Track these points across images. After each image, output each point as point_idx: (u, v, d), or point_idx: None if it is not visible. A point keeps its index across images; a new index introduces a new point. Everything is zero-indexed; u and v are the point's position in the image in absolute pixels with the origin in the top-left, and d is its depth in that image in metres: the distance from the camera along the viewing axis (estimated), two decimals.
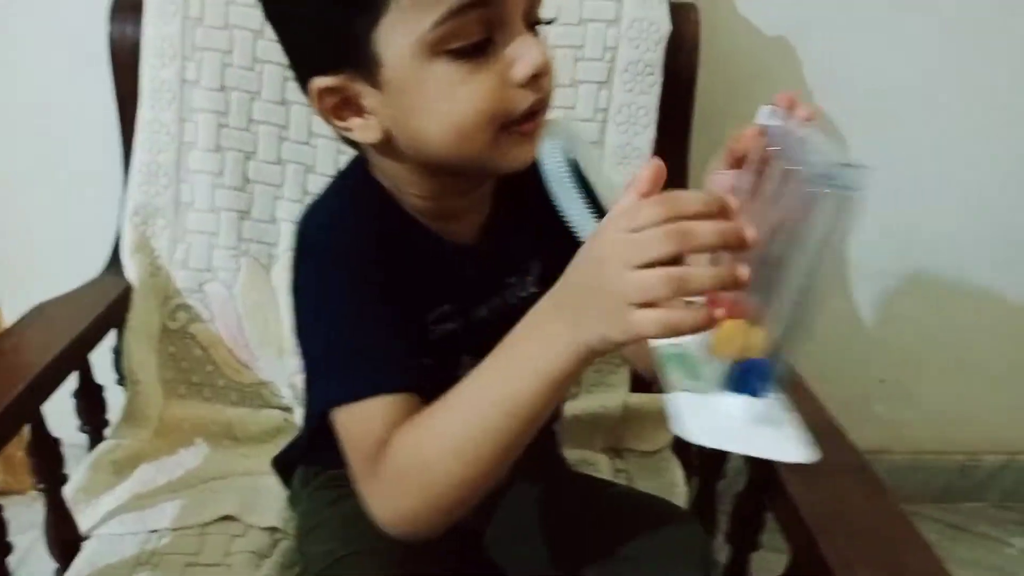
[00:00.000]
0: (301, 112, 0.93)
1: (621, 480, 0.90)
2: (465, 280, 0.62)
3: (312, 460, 0.74)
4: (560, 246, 0.56)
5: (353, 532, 0.63)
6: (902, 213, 1.24)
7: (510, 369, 0.47)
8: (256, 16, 0.90)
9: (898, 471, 1.44)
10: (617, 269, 0.41)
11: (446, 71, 0.50)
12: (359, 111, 0.54)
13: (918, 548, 0.53)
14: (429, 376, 0.55)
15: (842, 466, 0.60)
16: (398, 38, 0.50)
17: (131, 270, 0.91)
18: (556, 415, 0.79)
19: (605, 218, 0.44)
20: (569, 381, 0.46)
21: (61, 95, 1.09)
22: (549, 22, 0.55)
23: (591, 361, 0.45)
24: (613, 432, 0.97)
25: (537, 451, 0.72)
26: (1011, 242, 1.28)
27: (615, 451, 0.96)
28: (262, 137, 0.92)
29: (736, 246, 0.41)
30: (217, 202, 0.92)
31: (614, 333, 0.42)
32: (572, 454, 0.89)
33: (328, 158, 0.94)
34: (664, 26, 0.92)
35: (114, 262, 0.94)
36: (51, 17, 1.06)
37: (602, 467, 0.91)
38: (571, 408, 0.95)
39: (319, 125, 0.94)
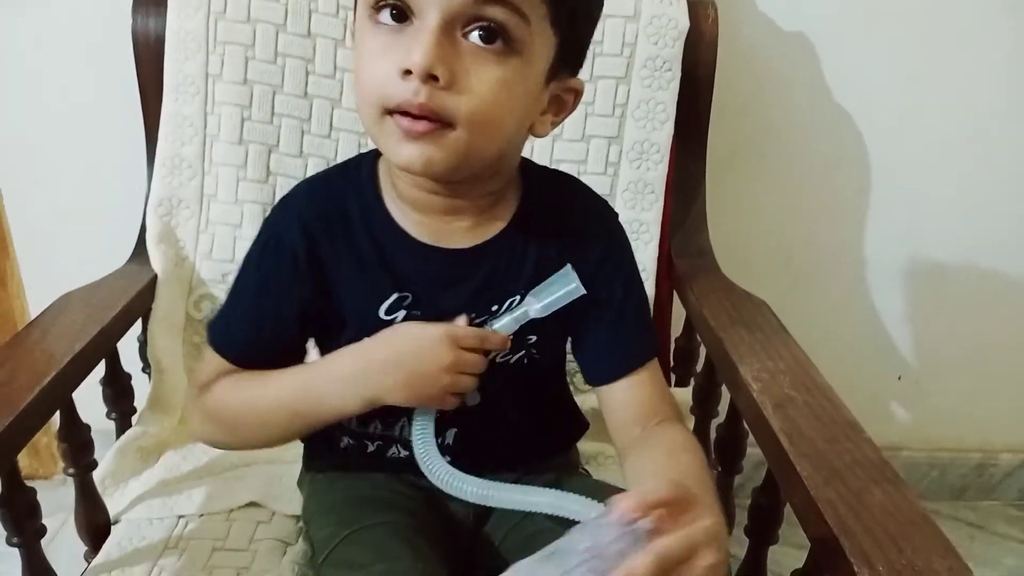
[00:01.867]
0: (323, 105, 0.94)
1: None
2: (429, 276, 0.63)
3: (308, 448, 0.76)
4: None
5: (353, 513, 0.66)
6: (917, 210, 1.25)
7: (313, 392, 0.61)
8: (278, 10, 0.91)
9: (915, 468, 1.44)
10: (440, 370, 0.58)
11: (372, 38, 0.54)
12: None
13: (937, 543, 0.53)
14: None
15: (860, 461, 0.60)
16: None
17: (156, 260, 0.93)
18: (581, 425, 0.80)
19: (433, 327, 0.59)
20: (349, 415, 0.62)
21: (85, 87, 1.11)
22: (507, 45, 0.53)
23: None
24: None
25: (545, 448, 0.74)
26: None
27: None
28: (284, 130, 0.94)
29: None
30: (240, 194, 0.94)
31: (423, 402, 0.59)
32: (590, 447, 0.90)
33: (349, 151, 0.95)
34: (682, 22, 0.93)
35: (139, 252, 0.95)
36: (75, 11, 1.08)
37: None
38: (590, 402, 0.96)
39: (340, 119, 0.95)
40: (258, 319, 0.64)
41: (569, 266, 0.60)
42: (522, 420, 0.71)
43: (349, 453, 0.70)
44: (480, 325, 0.62)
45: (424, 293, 0.63)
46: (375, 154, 0.65)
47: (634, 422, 0.65)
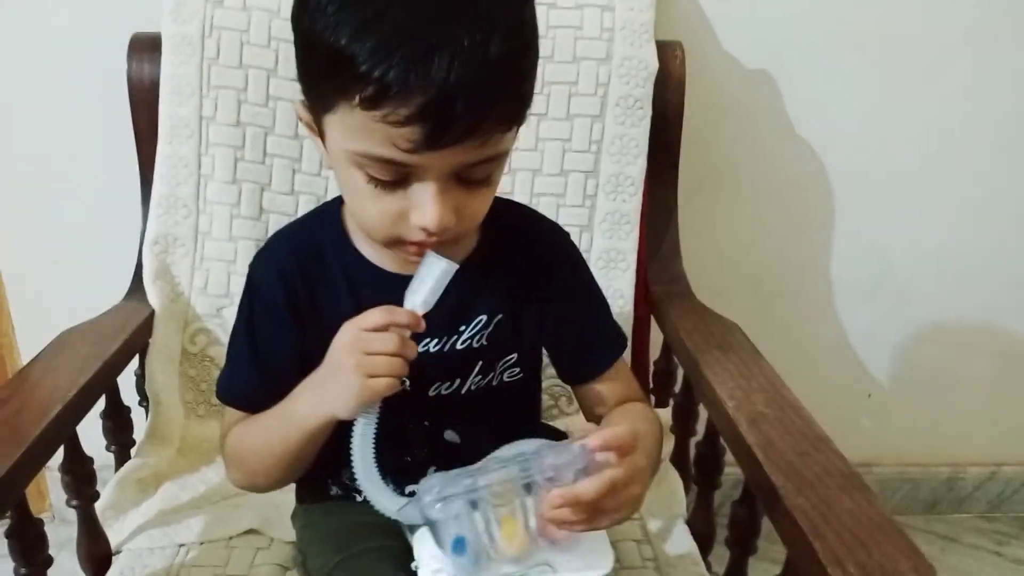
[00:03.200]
0: (313, 146, 0.98)
1: None
2: (399, 303, 0.62)
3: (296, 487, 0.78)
4: (520, 313, 0.69)
5: (346, 539, 0.68)
6: (882, 232, 1.30)
7: (286, 415, 0.63)
8: (269, 56, 0.96)
9: (886, 483, 1.48)
10: (351, 355, 0.57)
11: (361, 182, 0.55)
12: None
13: (902, 545, 0.57)
14: None
15: (830, 471, 0.65)
16: (335, 135, 0.55)
17: (153, 296, 0.96)
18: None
19: (346, 323, 0.59)
20: (322, 431, 0.61)
21: (82, 131, 1.14)
22: (484, 182, 0.57)
23: (335, 421, 0.60)
24: None
25: None
26: (993, 257, 1.33)
27: None
28: (276, 170, 0.98)
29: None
30: (234, 231, 0.97)
31: (352, 399, 0.57)
32: None
33: (338, 189, 0.99)
34: (652, 64, 0.99)
35: (135, 289, 0.98)
36: (72, 54, 1.11)
37: None
38: (574, 425, 1.00)
39: None
40: (257, 366, 0.67)
41: (429, 251, 0.58)
42: None
43: (339, 503, 0.73)
44: (445, 347, 0.66)
45: None
46: (340, 200, 0.69)
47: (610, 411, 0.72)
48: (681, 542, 0.85)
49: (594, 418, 0.73)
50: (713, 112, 1.18)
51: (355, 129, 0.52)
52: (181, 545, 0.80)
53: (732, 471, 0.77)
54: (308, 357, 0.63)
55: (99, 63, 1.05)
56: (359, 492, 0.71)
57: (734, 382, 0.78)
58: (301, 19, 0.54)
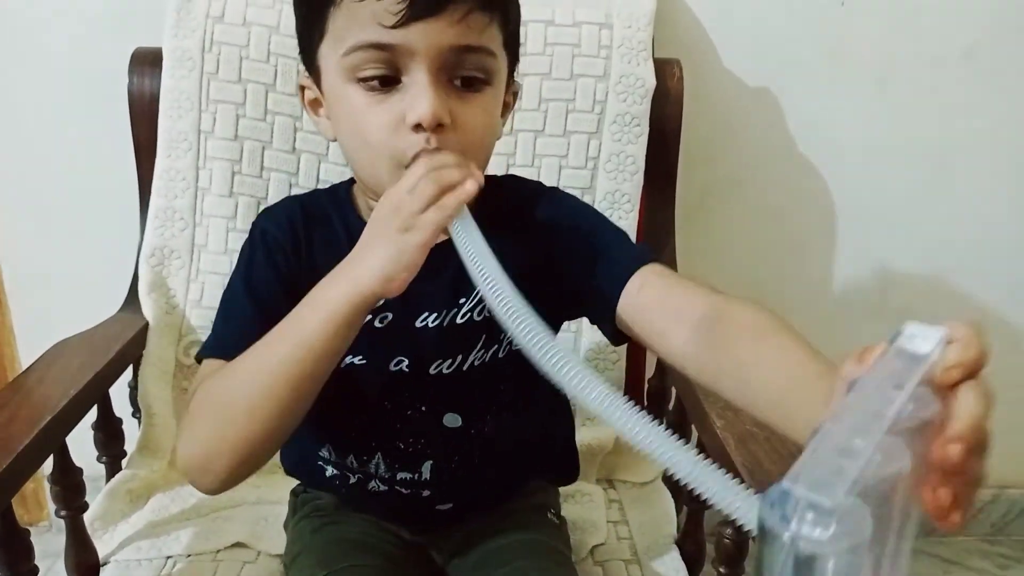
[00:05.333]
0: (310, 160, 0.99)
1: (614, 510, 0.94)
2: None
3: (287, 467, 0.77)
4: (522, 277, 0.61)
5: (333, 554, 0.69)
6: (887, 248, 1.30)
7: (301, 309, 0.55)
8: (268, 71, 0.97)
9: None
10: (388, 213, 0.53)
11: (357, 96, 0.58)
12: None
13: None
14: (359, 372, 0.64)
15: None
16: (330, 57, 0.59)
17: (148, 308, 0.96)
18: (572, 467, 0.83)
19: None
20: (350, 320, 0.54)
21: (82, 143, 1.15)
22: (484, 80, 0.59)
23: (368, 302, 0.53)
24: (606, 464, 1.01)
25: (513, 492, 0.76)
26: (995, 273, 1.32)
27: (608, 482, 1.00)
28: (273, 184, 0.98)
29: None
30: (230, 244, 0.98)
31: (387, 262, 0.52)
32: (568, 486, 0.92)
33: None
34: (649, 81, 0.99)
35: (131, 301, 0.99)
36: (73, 68, 1.12)
37: (597, 498, 0.95)
38: (589, 437, 0.99)
39: (327, 171, 1.00)
40: (254, 312, 0.62)
41: None
42: (506, 446, 0.70)
43: (335, 484, 0.72)
44: (444, 321, 0.65)
45: (398, 300, 0.62)
46: (350, 180, 0.71)
47: (674, 321, 0.58)
48: (670, 563, 0.84)
49: (667, 349, 0.59)
50: (713, 129, 1.18)
51: (343, 29, 0.56)
52: (168, 557, 0.80)
53: None
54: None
55: (101, 77, 1.06)
56: (352, 472, 0.71)
57: (724, 401, 0.77)
58: None
